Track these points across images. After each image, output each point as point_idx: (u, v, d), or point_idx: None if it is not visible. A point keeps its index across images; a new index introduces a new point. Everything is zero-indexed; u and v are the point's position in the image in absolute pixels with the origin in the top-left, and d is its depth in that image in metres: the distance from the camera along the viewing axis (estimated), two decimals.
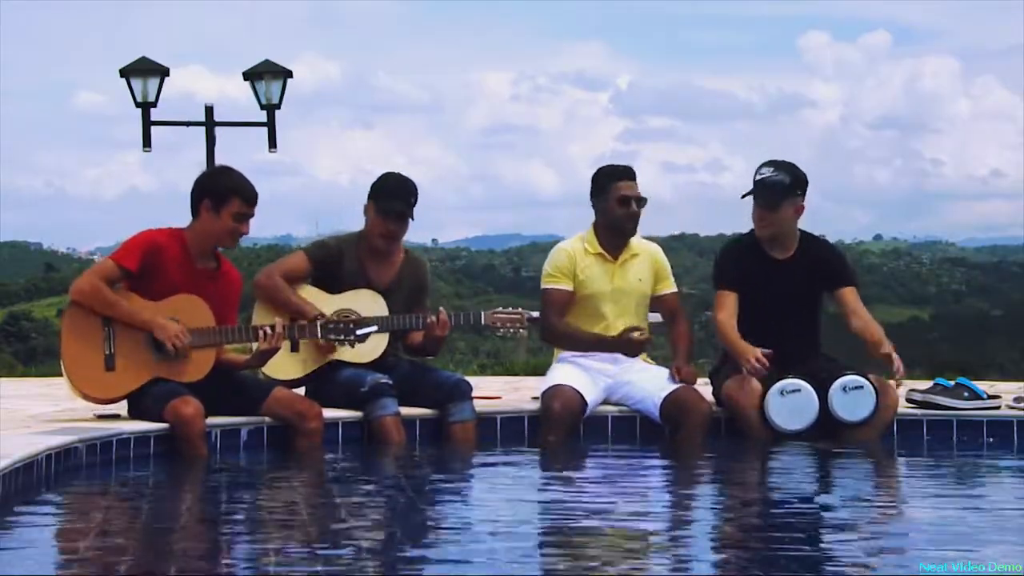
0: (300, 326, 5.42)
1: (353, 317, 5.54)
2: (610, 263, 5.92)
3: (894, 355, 5.59)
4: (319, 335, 5.42)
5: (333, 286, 5.71)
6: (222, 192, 5.27)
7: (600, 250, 5.93)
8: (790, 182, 5.80)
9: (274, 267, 5.75)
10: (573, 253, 5.93)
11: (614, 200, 5.87)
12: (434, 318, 5.63)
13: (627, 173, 5.93)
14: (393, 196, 5.74)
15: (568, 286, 5.89)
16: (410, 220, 5.79)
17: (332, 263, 5.75)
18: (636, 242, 6.00)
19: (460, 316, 5.74)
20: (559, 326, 5.89)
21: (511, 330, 5.74)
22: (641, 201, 5.89)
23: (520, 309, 5.79)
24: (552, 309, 5.90)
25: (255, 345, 5.41)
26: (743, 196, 5.83)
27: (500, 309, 5.77)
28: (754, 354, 5.56)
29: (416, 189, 5.81)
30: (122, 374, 5.21)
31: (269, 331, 5.27)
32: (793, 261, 5.87)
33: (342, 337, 5.40)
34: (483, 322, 5.71)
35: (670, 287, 6.03)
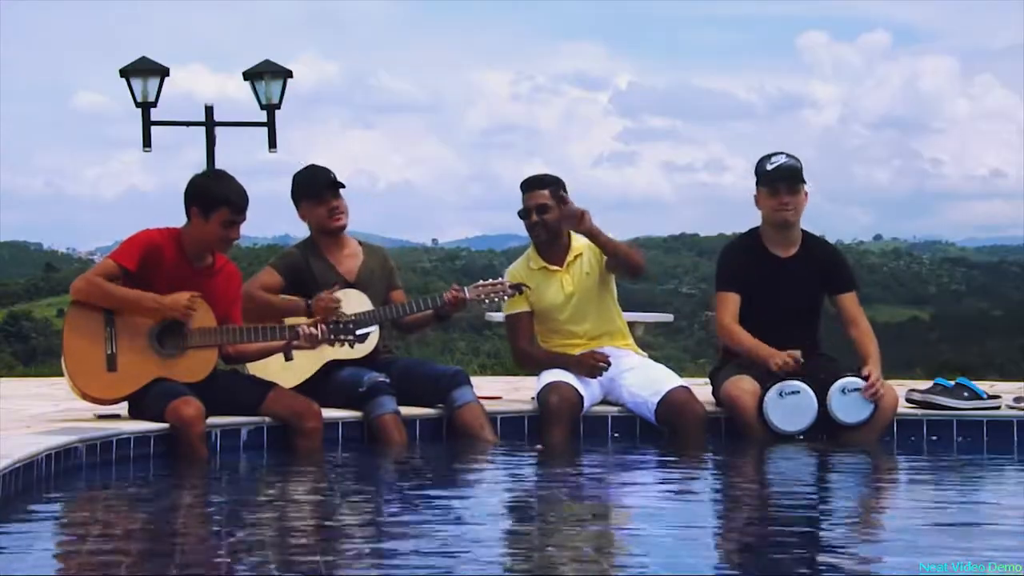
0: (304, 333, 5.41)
1: (351, 316, 5.55)
2: (557, 271, 5.92)
3: (873, 377, 5.57)
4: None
5: (308, 291, 5.75)
6: (211, 199, 5.25)
7: (543, 264, 5.95)
8: (801, 166, 5.87)
9: (249, 287, 5.76)
10: (520, 275, 5.96)
11: (519, 213, 5.94)
12: (448, 296, 5.70)
13: (529, 185, 5.93)
14: (315, 181, 5.86)
15: (524, 307, 5.92)
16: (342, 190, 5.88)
17: (300, 269, 5.82)
18: (579, 241, 5.96)
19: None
20: (526, 350, 5.96)
21: (495, 298, 5.77)
22: (542, 208, 5.85)
23: (501, 280, 5.81)
24: (517, 335, 5.96)
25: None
26: (764, 184, 5.79)
27: (481, 282, 5.80)
28: (782, 356, 5.56)
29: (328, 168, 5.92)
30: (124, 374, 5.21)
31: (305, 330, 5.28)
32: (796, 259, 5.87)
33: (343, 337, 5.41)
34: (467, 296, 5.73)
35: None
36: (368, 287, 5.82)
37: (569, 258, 5.93)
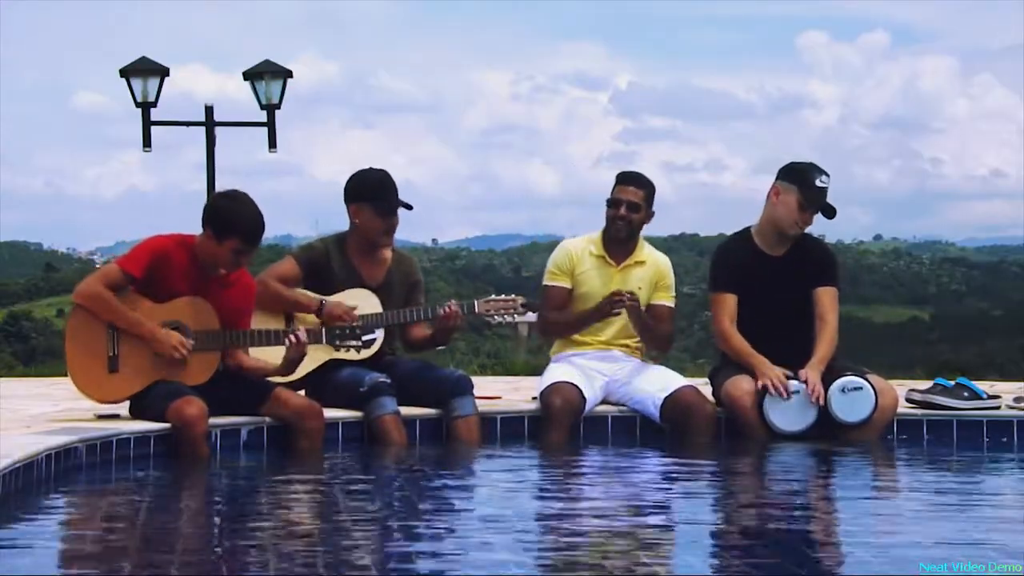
0: (306, 332, 5.41)
1: (358, 323, 5.53)
2: (611, 267, 5.90)
3: (811, 382, 5.55)
4: (324, 340, 5.43)
5: (325, 288, 5.72)
6: (225, 226, 5.20)
7: (603, 253, 5.93)
8: None
9: (265, 274, 5.74)
10: (575, 252, 5.94)
11: (608, 202, 5.91)
12: (444, 309, 5.65)
13: (628, 179, 5.92)
14: (389, 194, 5.77)
15: (566, 283, 5.90)
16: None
17: (321, 264, 5.76)
18: (648, 251, 5.98)
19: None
20: (552, 317, 5.92)
21: (505, 316, 5.75)
22: (633, 206, 5.85)
23: (514, 296, 5.79)
24: (549, 306, 5.93)
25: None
26: (800, 192, 5.75)
27: (493, 297, 5.78)
28: (776, 375, 5.56)
29: (394, 179, 5.86)
30: (125, 376, 5.21)
31: (295, 339, 5.27)
32: (787, 257, 5.88)
33: (348, 342, 5.40)
34: (476, 310, 5.72)
35: (665, 299, 5.95)
36: (385, 295, 5.78)
37: (629, 262, 5.92)
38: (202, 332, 5.25)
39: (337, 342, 5.42)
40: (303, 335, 5.29)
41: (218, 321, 5.27)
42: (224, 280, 5.33)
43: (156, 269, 5.21)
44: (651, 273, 5.94)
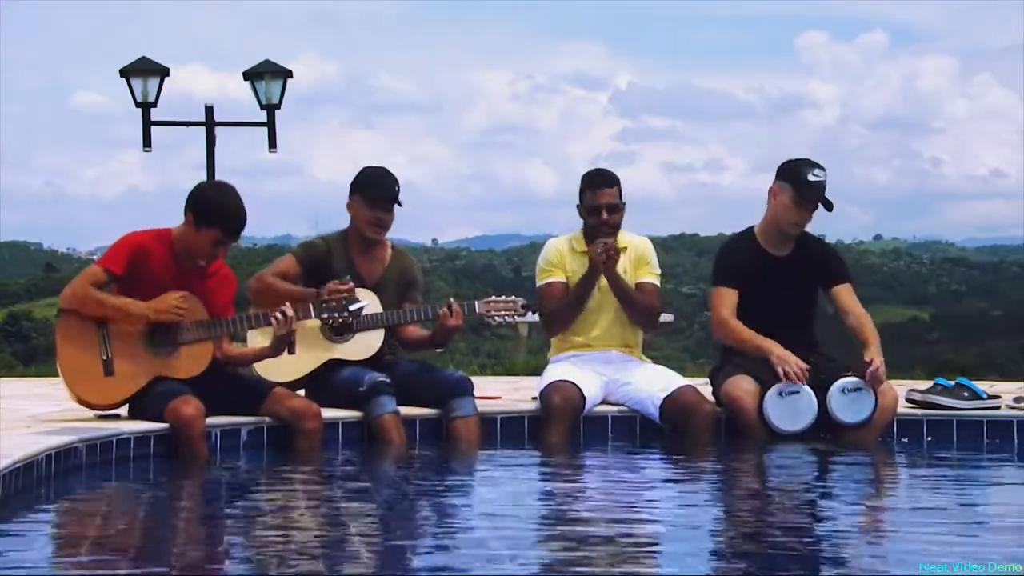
0: (294, 308, 5.39)
1: (345, 290, 5.53)
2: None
3: (877, 361, 5.57)
4: (312, 314, 5.42)
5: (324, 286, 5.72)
6: (208, 215, 5.21)
7: (586, 249, 5.92)
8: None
9: (264, 271, 5.76)
10: (561, 249, 5.93)
11: (586, 209, 5.88)
12: (446, 309, 5.64)
13: (601, 181, 5.87)
14: (379, 185, 5.80)
15: (561, 277, 5.89)
16: (395, 208, 5.83)
17: (321, 262, 5.76)
18: (627, 237, 5.96)
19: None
20: (554, 307, 5.87)
21: (506, 317, 5.75)
22: (613, 208, 5.82)
23: (514, 297, 5.79)
24: (548, 302, 5.90)
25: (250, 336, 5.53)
26: (795, 190, 5.76)
27: (493, 298, 5.78)
28: (795, 360, 5.55)
29: (397, 179, 5.86)
30: (122, 378, 5.21)
31: (281, 316, 5.26)
32: (790, 257, 5.88)
33: (335, 314, 5.40)
34: (477, 311, 5.72)
35: (648, 275, 5.91)
36: (382, 292, 5.78)
37: None
38: (192, 324, 5.25)
39: (325, 314, 5.41)
40: (290, 311, 5.29)
41: (205, 312, 5.27)
42: (204, 272, 5.34)
43: (136, 265, 5.22)
44: (633, 255, 5.93)
